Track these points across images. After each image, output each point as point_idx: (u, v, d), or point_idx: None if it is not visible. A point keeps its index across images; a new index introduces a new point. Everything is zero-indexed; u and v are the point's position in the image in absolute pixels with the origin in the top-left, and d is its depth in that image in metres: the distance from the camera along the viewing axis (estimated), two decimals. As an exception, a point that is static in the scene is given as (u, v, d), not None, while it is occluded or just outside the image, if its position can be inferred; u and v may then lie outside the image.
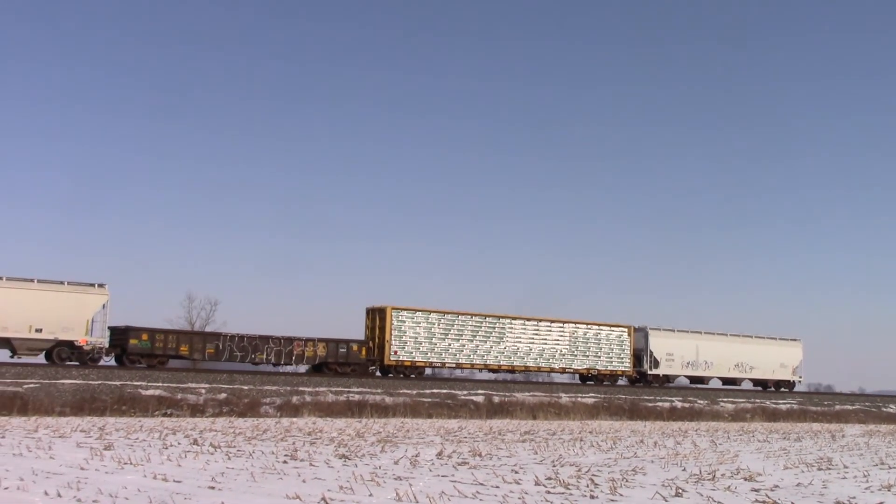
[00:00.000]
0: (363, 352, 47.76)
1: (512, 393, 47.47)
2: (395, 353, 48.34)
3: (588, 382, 55.42)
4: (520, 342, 52.75)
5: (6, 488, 11.90)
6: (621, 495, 12.86)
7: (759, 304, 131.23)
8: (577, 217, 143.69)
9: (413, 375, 48.97)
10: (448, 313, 50.78)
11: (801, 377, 65.78)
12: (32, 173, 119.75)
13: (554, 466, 16.90)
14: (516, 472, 15.53)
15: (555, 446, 22.72)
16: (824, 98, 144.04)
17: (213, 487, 12.49)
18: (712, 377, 61.36)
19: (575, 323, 55.37)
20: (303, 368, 47.42)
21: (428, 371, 51.46)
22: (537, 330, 53.68)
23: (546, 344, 53.72)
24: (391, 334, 48.33)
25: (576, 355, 54.79)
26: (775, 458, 21.20)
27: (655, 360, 58.08)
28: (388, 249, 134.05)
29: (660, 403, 51.23)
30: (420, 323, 49.58)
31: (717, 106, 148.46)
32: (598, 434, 29.69)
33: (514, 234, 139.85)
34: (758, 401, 56.94)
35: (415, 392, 43.97)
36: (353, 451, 19.18)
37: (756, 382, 63.81)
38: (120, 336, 41.90)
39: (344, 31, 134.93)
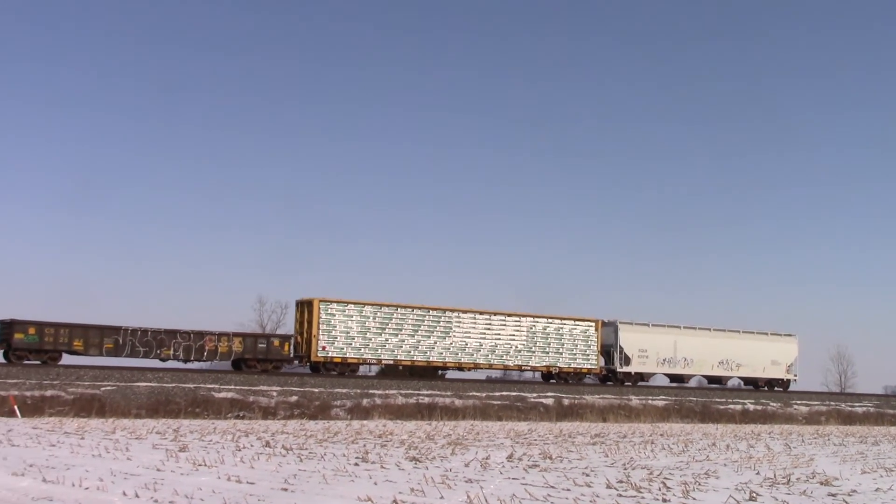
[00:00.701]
0: (286, 347, 44.70)
1: (582, 395, 47.28)
2: (323, 348, 44.94)
3: (551, 381, 51.64)
4: (469, 337, 49.14)
5: (87, 488, 12.17)
6: (694, 499, 12.75)
7: (790, 302, 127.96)
8: (576, 215, 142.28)
9: (346, 373, 45.30)
10: (385, 306, 47.23)
11: (796, 375, 60.68)
12: (32, 173, 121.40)
13: (625, 469, 16.80)
14: (587, 475, 15.47)
15: (625, 449, 22.58)
16: (825, 89, 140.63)
17: (285, 489, 12.63)
18: (693, 375, 57.54)
19: (534, 317, 51.75)
20: (225, 364, 45.08)
21: (364, 369, 47.71)
22: (489, 324, 50.03)
23: (500, 339, 50.16)
24: (318, 329, 44.87)
25: (534, 351, 51.05)
26: (852, 461, 20.83)
27: (626, 356, 53.92)
28: (389, 248, 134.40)
29: (731, 406, 50.65)
30: (352, 316, 45.99)
31: (711, 98, 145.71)
32: (669, 437, 29.43)
33: (512, 232, 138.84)
34: (833, 403, 56.01)
35: (484, 395, 44.00)
36: (423, 453, 19.25)
37: (747, 381, 59.68)
38: (4, 330, 38.63)
39: (344, 28, 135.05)
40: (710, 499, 12.87)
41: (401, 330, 47.20)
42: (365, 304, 46.55)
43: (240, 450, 18.99)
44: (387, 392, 41.93)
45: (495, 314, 50.47)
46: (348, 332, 45.69)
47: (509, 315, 50.99)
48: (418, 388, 43.76)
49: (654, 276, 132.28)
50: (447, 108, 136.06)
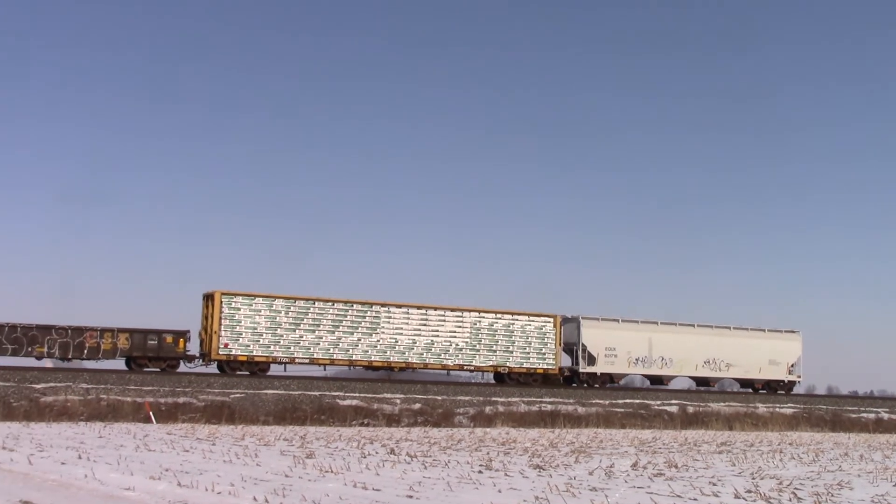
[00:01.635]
0: (181, 343, 41.33)
1: (706, 403, 46.51)
2: (226, 345, 41.35)
3: (507, 383, 46.96)
4: (400, 334, 44.82)
5: (219, 493, 12.52)
6: (826, 510, 12.43)
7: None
8: (573, 212, 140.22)
9: (253, 372, 42.04)
10: (299, 299, 43.49)
11: (799, 376, 54.47)
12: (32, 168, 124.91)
13: (753, 479, 16.46)
14: (714, 485, 15.21)
15: (753, 458, 22.12)
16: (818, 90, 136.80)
17: (410, 496, 12.76)
18: (674, 376, 51.65)
19: (480, 312, 47.19)
20: (112, 364, 41.04)
21: (277, 368, 43.26)
22: (425, 320, 45.62)
23: (438, 336, 45.60)
24: (220, 324, 41.36)
25: (478, 350, 46.47)
26: None
27: (591, 355, 48.53)
28: (387, 247, 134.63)
29: (864, 414, 49.13)
30: (260, 311, 42.39)
31: (709, 90, 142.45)
32: (798, 446, 28.72)
33: (508, 230, 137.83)
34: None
35: (607, 402, 43.67)
36: (547, 461, 19.21)
37: (743, 383, 53.99)
38: None
39: (343, 34, 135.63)
40: (843, 510, 12.53)
41: (318, 326, 43.31)
42: (276, 298, 43.04)
43: (365, 457, 19.25)
44: (509, 399, 41.98)
45: (433, 308, 46.22)
46: (255, 328, 42.14)
47: (451, 310, 46.71)
48: (541, 395, 43.67)
49: (653, 277, 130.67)
50: (445, 108, 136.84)
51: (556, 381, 48.08)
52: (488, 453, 21.24)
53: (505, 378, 46.88)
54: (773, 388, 53.25)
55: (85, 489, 12.84)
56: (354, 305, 44.24)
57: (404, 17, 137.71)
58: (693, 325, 52.19)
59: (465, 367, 46.60)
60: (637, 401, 44.97)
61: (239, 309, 41.88)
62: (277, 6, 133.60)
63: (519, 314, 47.91)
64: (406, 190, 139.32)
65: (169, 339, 41.17)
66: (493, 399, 41.77)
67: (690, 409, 44.73)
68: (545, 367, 47.59)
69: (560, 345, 48.52)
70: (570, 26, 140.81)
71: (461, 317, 46.58)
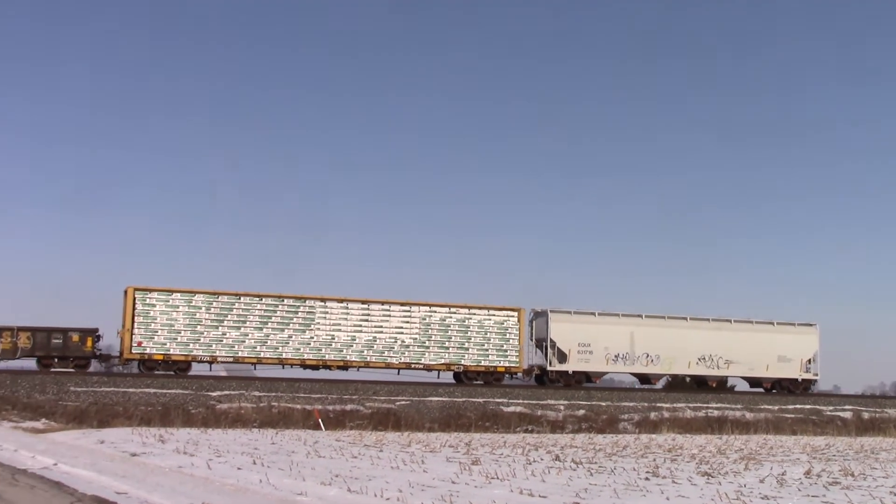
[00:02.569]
0: (88, 342, 39.62)
1: (883, 409, 44.72)
2: (139, 343, 39.38)
3: (476, 382, 43.33)
4: (339, 330, 41.90)
5: (387, 499, 12.76)
6: None
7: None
8: (571, 209, 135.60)
9: (175, 372, 39.93)
10: (223, 294, 41.13)
11: (817, 374, 48.37)
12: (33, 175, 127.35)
13: (937, 488, 15.75)
14: None
15: (936, 466, 21.14)
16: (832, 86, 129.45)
17: (577, 503, 12.74)
18: (662, 374, 47.03)
19: (431, 306, 43.59)
20: (18, 364, 39.87)
21: (203, 368, 41.27)
22: (367, 315, 42.51)
23: (382, 332, 42.46)
24: (133, 321, 39.34)
25: (428, 347, 43.06)
26: None
27: (561, 352, 44.40)
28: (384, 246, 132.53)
29: None
30: (179, 307, 40.21)
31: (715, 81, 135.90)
32: None
33: (508, 230, 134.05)
34: None
35: (776, 408, 42.54)
36: (715, 468, 18.84)
37: (751, 382, 48.43)
38: None
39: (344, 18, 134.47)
40: None
41: (244, 322, 40.99)
42: (195, 293, 40.82)
43: (530, 463, 19.27)
44: (675, 405, 41.35)
45: (377, 302, 43.03)
46: (173, 325, 40.07)
47: (398, 304, 43.35)
48: (707, 400, 42.83)
49: (659, 273, 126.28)
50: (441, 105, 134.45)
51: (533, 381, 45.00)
52: (654, 460, 20.97)
53: (461, 378, 43.50)
54: (786, 388, 47.74)
55: (260, 493, 13.30)
56: (286, 300, 41.78)
57: (404, 19, 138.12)
58: (685, 319, 47.26)
59: (412, 366, 43.07)
60: (808, 406, 43.63)
61: (154, 305, 39.98)
62: (276, 11, 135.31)
63: (477, 308, 44.30)
64: (407, 193, 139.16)
65: (76, 337, 39.66)
66: (658, 405, 41.23)
67: (866, 415, 43.11)
68: (507, 364, 43.91)
69: (532, 341, 45.37)
70: (571, 26, 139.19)
71: (409, 311, 43.32)
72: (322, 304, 42.04)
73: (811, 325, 49.01)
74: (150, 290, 40.13)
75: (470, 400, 39.11)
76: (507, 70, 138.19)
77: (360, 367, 42.52)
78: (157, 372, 39.56)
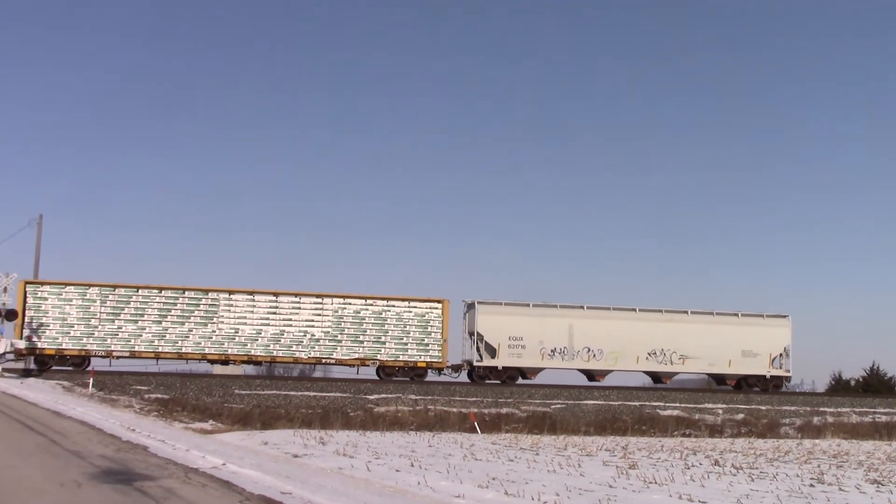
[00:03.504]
0: None
1: None
2: (30, 338, 38.45)
3: (400, 378, 41.14)
4: (244, 324, 40.53)
5: (544, 502, 12.79)
6: None
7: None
8: (571, 207, 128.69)
9: (72, 368, 38.84)
10: (120, 287, 40.01)
11: (789, 371, 44.41)
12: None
13: None
14: None
15: None
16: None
17: (738, 509, 12.53)
18: (608, 370, 43.08)
19: (344, 297, 41.72)
20: None
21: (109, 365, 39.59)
22: (275, 307, 41.04)
23: (291, 326, 40.91)
24: (23, 316, 38.53)
25: (340, 341, 41.21)
26: None
27: (490, 346, 41.81)
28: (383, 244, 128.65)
29: None
30: (72, 301, 39.28)
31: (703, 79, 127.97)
32: None
33: (507, 230, 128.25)
34: None
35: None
36: (885, 476, 18.17)
37: (716, 379, 44.90)
38: None
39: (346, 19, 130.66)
40: None
41: (142, 316, 39.90)
42: (90, 286, 39.81)
43: (688, 468, 18.99)
44: (839, 410, 40.12)
45: (286, 294, 41.55)
46: (65, 319, 39.29)
47: (308, 296, 41.70)
48: (874, 405, 41.35)
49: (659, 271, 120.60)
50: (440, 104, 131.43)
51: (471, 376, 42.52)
52: (819, 466, 20.37)
53: (379, 373, 41.61)
54: (751, 386, 43.99)
55: (419, 496, 13.50)
56: (186, 293, 40.61)
57: (403, 22, 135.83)
58: (634, 310, 43.78)
59: (323, 361, 41.92)
60: None
61: (46, 299, 39.35)
62: (277, 13, 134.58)
63: (397, 300, 42.15)
64: (405, 194, 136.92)
65: None
66: (822, 409, 40.06)
67: None
68: (428, 359, 41.57)
69: (462, 334, 43.03)
70: (571, 27, 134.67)
71: (321, 303, 41.58)
72: (227, 296, 41.00)
73: (783, 316, 45.21)
74: (42, 284, 39.99)
75: (626, 403, 38.82)
76: (508, 70, 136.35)
77: (265, 361, 42.53)
78: (53, 368, 38.96)
